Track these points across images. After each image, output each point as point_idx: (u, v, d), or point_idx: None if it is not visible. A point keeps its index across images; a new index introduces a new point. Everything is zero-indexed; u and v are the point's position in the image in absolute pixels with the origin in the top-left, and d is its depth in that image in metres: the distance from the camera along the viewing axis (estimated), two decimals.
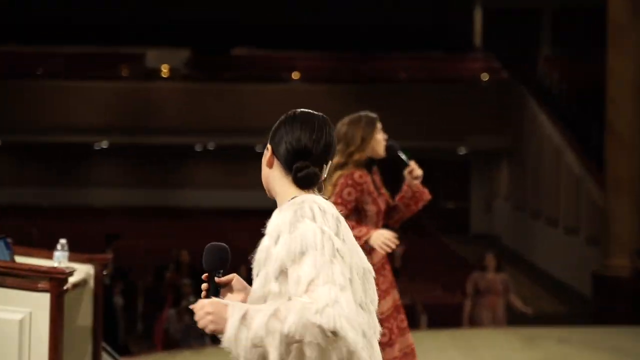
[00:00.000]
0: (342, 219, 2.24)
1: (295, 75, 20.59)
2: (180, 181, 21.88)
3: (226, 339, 2.09)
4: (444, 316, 11.12)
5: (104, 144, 20.81)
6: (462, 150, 20.61)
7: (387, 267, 4.33)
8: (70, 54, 20.44)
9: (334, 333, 2.00)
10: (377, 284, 4.45)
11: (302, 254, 2.11)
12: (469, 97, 18.95)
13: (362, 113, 4.58)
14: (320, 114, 2.38)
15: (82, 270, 4.35)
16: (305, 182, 2.29)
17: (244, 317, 2.07)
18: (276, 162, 2.32)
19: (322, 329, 1.99)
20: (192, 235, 17.04)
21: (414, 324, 10.72)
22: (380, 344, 4.35)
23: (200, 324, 2.13)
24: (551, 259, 16.92)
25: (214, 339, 7.95)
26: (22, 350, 3.72)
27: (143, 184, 21.74)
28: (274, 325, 2.02)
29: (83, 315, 4.37)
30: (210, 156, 21.76)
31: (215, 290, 2.25)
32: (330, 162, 2.34)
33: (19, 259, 4.22)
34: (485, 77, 20.41)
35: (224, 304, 2.12)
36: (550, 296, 15.54)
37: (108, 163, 21.77)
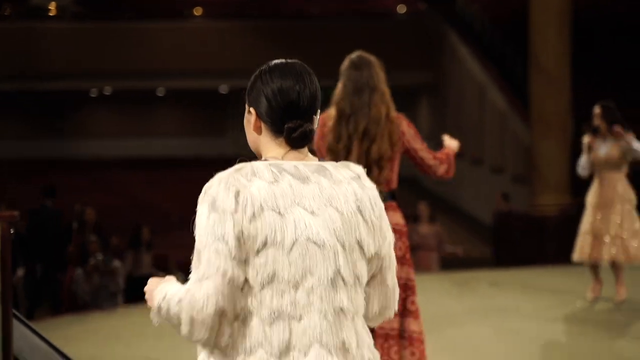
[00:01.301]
0: (247, 193, 2.17)
1: (198, 11, 20.34)
2: (75, 130, 21.49)
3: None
4: None
5: None
6: None
7: None
8: None
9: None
10: (400, 248, 4.46)
11: (195, 240, 2.19)
12: (385, 31, 19.05)
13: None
14: (296, 61, 2.33)
15: None
16: (302, 142, 2.27)
17: (163, 299, 2.22)
18: (262, 125, 2.28)
19: (175, 317, 2.17)
20: (90, 188, 16.83)
21: None
22: (411, 312, 4.41)
23: None
24: (477, 200, 17.31)
25: (128, 299, 7.84)
26: None
27: (35, 134, 21.27)
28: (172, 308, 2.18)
29: None
30: (108, 102, 21.41)
31: None
32: (318, 111, 2.30)
33: None
34: (402, 9, 20.53)
35: (158, 283, 2.27)
36: (476, 239, 15.94)
37: None
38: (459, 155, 17.39)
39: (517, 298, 7.72)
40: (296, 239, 2.16)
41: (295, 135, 2.25)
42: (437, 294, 7.83)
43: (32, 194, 15.63)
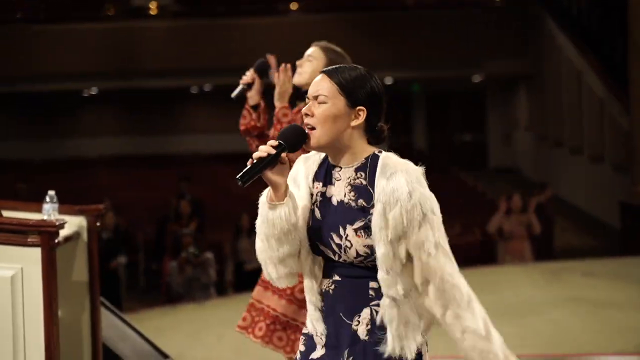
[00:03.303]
0: None
1: (294, 5, 20.45)
2: (176, 126, 21.91)
3: None
4: (464, 255, 11.22)
5: (93, 91, 20.81)
6: (477, 78, 20.56)
7: None
8: None
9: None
10: None
11: (424, 218, 2.45)
12: (482, 20, 18.83)
13: None
14: None
15: (74, 223, 4.40)
16: (383, 141, 2.58)
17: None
18: (363, 122, 2.54)
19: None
20: (191, 182, 17.14)
21: None
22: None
23: None
24: (576, 190, 16.99)
25: (219, 290, 7.95)
26: (16, 307, 3.80)
27: (137, 131, 21.78)
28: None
29: (78, 269, 4.45)
30: (208, 98, 21.76)
31: (274, 159, 2.48)
32: None
33: (6, 214, 4.28)
34: None
35: None
36: (576, 228, 15.64)
37: (98, 111, 21.80)
38: (559, 144, 16.92)
39: (606, 289, 7.57)
40: None
41: (384, 135, 2.59)
42: (523, 285, 7.75)
43: (129, 189, 16.01)
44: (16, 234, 3.83)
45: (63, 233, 4.13)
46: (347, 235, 2.50)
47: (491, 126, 21.63)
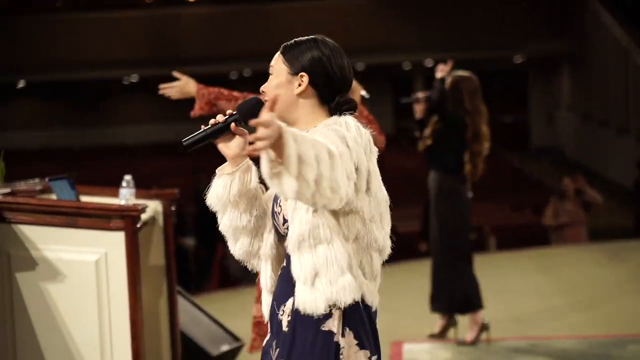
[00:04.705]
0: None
1: None
2: None
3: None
4: (515, 237, 11.15)
5: (134, 78, 20.91)
6: (519, 59, 20.40)
7: None
8: None
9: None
10: None
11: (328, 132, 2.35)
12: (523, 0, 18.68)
13: None
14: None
15: (150, 208, 4.41)
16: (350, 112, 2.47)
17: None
18: (310, 91, 2.44)
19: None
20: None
21: (483, 246, 10.77)
22: None
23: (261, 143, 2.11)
24: (623, 170, 16.81)
25: None
26: (101, 291, 3.84)
27: (177, 118, 21.84)
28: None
29: (155, 254, 4.47)
30: (247, 84, 21.79)
31: (223, 128, 2.47)
32: None
33: (84, 199, 4.32)
34: None
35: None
36: (624, 209, 15.49)
37: (138, 98, 21.90)
38: (604, 123, 16.72)
39: None
40: (380, 188, 2.42)
41: (346, 107, 2.44)
42: (585, 265, 7.68)
43: (173, 176, 16.10)
44: (99, 219, 3.86)
45: (141, 217, 4.15)
46: (279, 200, 2.47)
47: (533, 106, 21.47)
